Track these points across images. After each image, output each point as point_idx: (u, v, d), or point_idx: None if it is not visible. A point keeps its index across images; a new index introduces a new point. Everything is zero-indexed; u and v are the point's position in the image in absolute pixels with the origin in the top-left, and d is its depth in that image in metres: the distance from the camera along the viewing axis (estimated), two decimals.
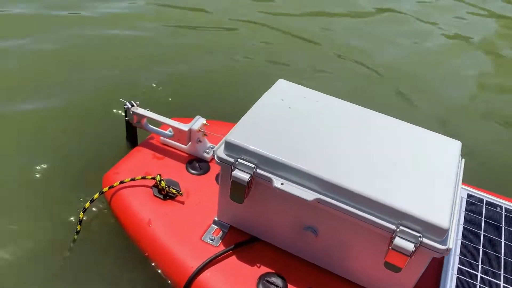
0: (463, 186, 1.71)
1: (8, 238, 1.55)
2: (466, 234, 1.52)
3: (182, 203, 1.55)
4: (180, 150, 1.76)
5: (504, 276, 1.40)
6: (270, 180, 1.25)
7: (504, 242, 1.51)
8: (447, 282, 1.35)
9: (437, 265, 1.44)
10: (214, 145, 1.78)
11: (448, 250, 1.13)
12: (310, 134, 1.33)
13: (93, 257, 1.53)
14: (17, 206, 1.67)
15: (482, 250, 1.48)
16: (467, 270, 1.40)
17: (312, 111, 1.42)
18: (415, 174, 1.24)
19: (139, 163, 1.69)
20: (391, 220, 1.16)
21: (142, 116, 1.71)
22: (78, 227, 1.55)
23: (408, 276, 1.24)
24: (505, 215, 1.62)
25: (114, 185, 1.56)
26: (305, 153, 1.26)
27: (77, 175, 1.81)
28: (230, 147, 1.28)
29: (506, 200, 1.67)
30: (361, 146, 1.31)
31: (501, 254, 1.47)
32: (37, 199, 1.70)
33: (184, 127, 1.66)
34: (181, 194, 1.55)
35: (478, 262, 1.43)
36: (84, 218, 1.58)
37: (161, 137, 1.77)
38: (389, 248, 1.17)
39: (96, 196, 1.56)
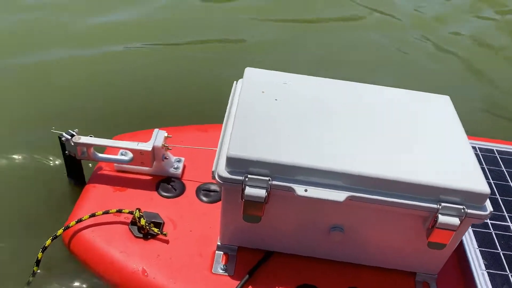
0: None
1: None
2: None
3: (171, 237, 1.30)
4: (143, 173, 1.48)
5: (508, 216, 1.44)
6: (291, 189, 1.07)
7: (494, 182, 1.55)
8: (468, 238, 1.34)
9: None
10: (179, 157, 1.53)
11: (490, 214, 1.09)
12: (312, 125, 1.17)
13: None
14: None
15: None
16: None
17: (300, 98, 1.26)
18: (431, 143, 1.17)
19: (100, 201, 1.38)
20: (431, 199, 1.08)
21: (88, 145, 1.38)
22: (35, 268, 1.26)
23: (449, 247, 1.19)
24: (482, 155, 1.66)
25: (83, 218, 1.28)
26: (320, 149, 1.10)
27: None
28: (235, 163, 1.07)
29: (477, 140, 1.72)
30: (368, 127, 1.19)
31: (496, 195, 1.50)
32: None
33: (146, 146, 1.39)
34: (165, 234, 1.30)
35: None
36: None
37: (115, 164, 1.47)
38: (432, 228, 1.10)
39: (59, 232, 1.27)
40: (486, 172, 1.59)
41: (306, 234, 1.21)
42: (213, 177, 1.11)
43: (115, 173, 1.48)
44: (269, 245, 1.27)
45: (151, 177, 1.48)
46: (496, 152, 1.68)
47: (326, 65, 2.50)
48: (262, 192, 1.07)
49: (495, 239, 1.36)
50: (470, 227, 1.38)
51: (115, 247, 1.26)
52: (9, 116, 1.86)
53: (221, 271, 1.23)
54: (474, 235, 1.36)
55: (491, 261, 1.29)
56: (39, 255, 1.25)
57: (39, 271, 1.26)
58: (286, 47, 2.64)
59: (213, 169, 1.11)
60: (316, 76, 1.39)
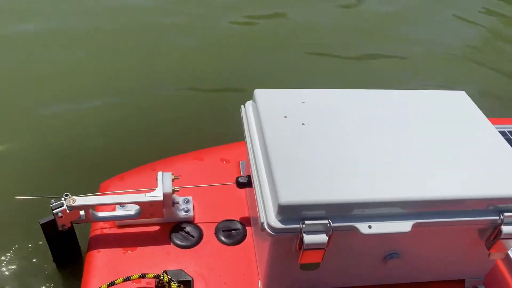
0: None
1: None
2: None
3: None
4: (149, 224, 1.28)
5: None
6: (354, 228, 0.96)
7: None
8: None
9: None
10: (187, 197, 1.35)
11: None
12: (355, 150, 1.07)
13: None
14: None
15: None
16: None
17: (327, 119, 1.15)
18: (474, 152, 1.11)
19: (112, 268, 1.17)
20: (492, 211, 1.03)
21: (87, 207, 1.16)
22: None
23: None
24: None
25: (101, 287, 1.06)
26: (375, 179, 1.00)
27: None
28: (288, 210, 0.93)
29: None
30: (408, 144, 1.11)
31: None
32: None
33: (157, 196, 1.19)
34: None
35: None
36: None
37: (116, 222, 1.26)
38: (494, 239, 1.05)
39: None
40: None
41: (362, 266, 1.11)
42: (262, 229, 0.96)
43: (117, 230, 1.27)
44: (321, 284, 1.15)
45: (160, 227, 1.29)
46: None
47: None
48: (323, 238, 0.95)
49: None
50: None
51: None
52: None
53: None
54: None
55: None
56: None
57: None
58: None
59: (261, 220, 0.96)
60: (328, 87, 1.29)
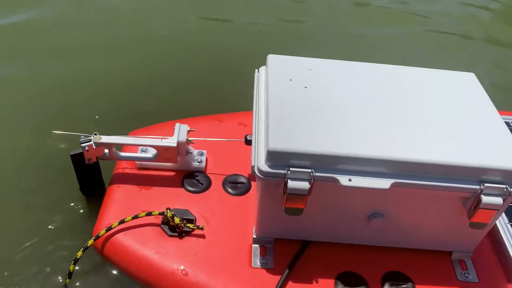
0: None
1: None
2: None
3: (205, 233, 1.28)
4: (166, 169, 1.44)
5: None
6: (335, 180, 1.06)
7: None
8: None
9: None
10: (201, 150, 1.49)
11: None
12: (349, 113, 1.15)
13: None
14: None
15: None
16: None
17: (329, 84, 1.23)
18: (467, 123, 1.16)
19: (127, 202, 1.34)
20: (473, 180, 1.08)
21: (110, 145, 1.33)
22: (67, 281, 1.20)
23: (486, 227, 1.19)
24: None
25: (112, 226, 1.23)
26: (361, 137, 1.08)
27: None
28: (276, 156, 1.04)
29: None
30: (402, 110, 1.18)
31: None
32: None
33: (171, 142, 1.34)
34: (202, 228, 1.27)
35: None
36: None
37: (137, 162, 1.42)
38: (475, 208, 1.10)
39: (90, 242, 1.21)
40: None
41: (346, 222, 1.20)
42: (253, 172, 1.08)
43: (137, 171, 1.43)
44: (307, 235, 1.26)
45: (175, 173, 1.44)
46: None
47: None
48: (305, 185, 1.05)
49: None
50: None
51: (151, 248, 1.23)
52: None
53: (261, 264, 1.21)
54: (505, 211, 1.37)
55: None
56: (71, 267, 1.20)
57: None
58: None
59: (252, 164, 1.08)
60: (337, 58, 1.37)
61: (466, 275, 1.25)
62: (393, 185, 1.06)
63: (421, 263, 1.27)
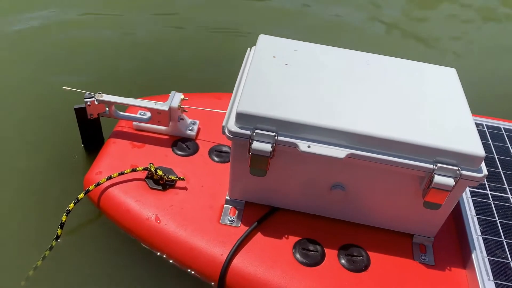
0: None
1: None
2: None
3: (184, 189, 1.40)
4: (160, 133, 1.57)
5: (509, 188, 1.48)
6: (295, 145, 1.15)
7: (498, 157, 1.59)
8: (466, 208, 1.39)
9: None
10: (194, 120, 1.62)
11: (485, 177, 1.14)
12: (319, 88, 1.24)
13: (88, 265, 1.32)
14: None
15: None
16: (478, 191, 1.46)
17: (309, 64, 1.32)
18: (432, 108, 1.22)
19: (119, 156, 1.48)
20: (427, 160, 1.14)
21: (110, 103, 1.48)
22: (59, 231, 1.32)
23: (442, 210, 1.24)
24: (488, 132, 1.70)
25: (101, 182, 1.36)
26: (324, 109, 1.17)
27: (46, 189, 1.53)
28: (244, 118, 1.15)
29: (485, 118, 1.75)
30: (371, 91, 1.25)
31: (499, 169, 1.54)
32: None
33: (164, 106, 1.47)
34: (183, 179, 1.40)
35: (484, 182, 1.50)
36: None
37: (134, 123, 1.56)
38: (428, 188, 1.16)
39: (81, 196, 1.34)
40: (491, 148, 1.63)
41: (309, 191, 1.28)
42: (223, 132, 1.19)
43: (134, 131, 1.58)
44: (274, 201, 1.35)
45: (168, 137, 1.57)
46: (503, 130, 1.71)
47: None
48: (267, 147, 1.15)
49: (493, 209, 1.41)
50: (470, 197, 1.43)
51: (131, 197, 1.36)
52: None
53: (229, 222, 1.32)
54: (474, 205, 1.41)
55: (487, 228, 1.34)
56: (63, 218, 1.32)
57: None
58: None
59: (223, 124, 1.18)
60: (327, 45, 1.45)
61: (423, 257, 1.30)
62: (348, 155, 1.14)
63: (380, 241, 1.33)
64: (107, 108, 1.50)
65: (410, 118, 1.18)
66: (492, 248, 1.29)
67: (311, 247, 1.27)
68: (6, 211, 1.43)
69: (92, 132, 1.57)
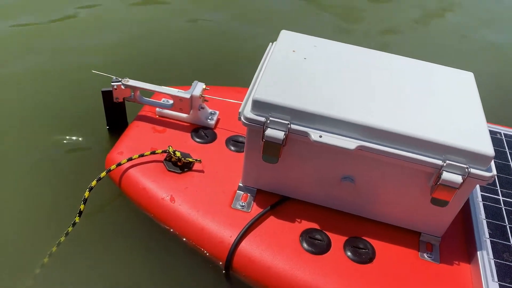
0: None
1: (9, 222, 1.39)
2: None
3: (199, 174, 1.46)
4: (181, 120, 1.64)
5: None
6: (307, 134, 1.19)
7: None
8: (476, 212, 1.40)
9: None
10: (215, 111, 1.68)
11: (494, 177, 1.15)
12: (335, 81, 1.27)
13: (107, 240, 1.39)
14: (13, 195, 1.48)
15: (497, 175, 1.54)
16: (490, 196, 1.46)
17: (328, 59, 1.36)
18: (445, 107, 1.24)
19: (140, 139, 1.55)
20: (436, 156, 1.16)
21: (136, 88, 1.56)
22: (82, 207, 1.38)
23: (450, 209, 1.26)
24: (506, 140, 1.69)
25: (122, 162, 1.43)
26: (338, 101, 1.21)
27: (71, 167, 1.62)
28: (259, 105, 1.20)
29: (503, 127, 1.75)
30: (385, 87, 1.28)
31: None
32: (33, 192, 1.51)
33: (186, 94, 1.54)
34: (200, 161, 1.46)
35: (497, 187, 1.50)
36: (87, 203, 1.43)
37: (157, 109, 1.64)
38: (436, 184, 1.18)
39: (103, 174, 1.41)
40: (508, 156, 1.62)
41: (320, 182, 1.32)
42: (239, 118, 1.24)
43: (156, 117, 1.65)
44: (285, 190, 1.39)
45: (188, 125, 1.63)
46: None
47: None
48: (280, 134, 1.19)
49: (504, 214, 1.41)
50: (481, 201, 1.43)
51: (149, 177, 1.43)
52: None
53: (240, 207, 1.36)
54: (484, 208, 1.41)
55: (496, 231, 1.35)
56: (86, 194, 1.38)
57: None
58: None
59: (240, 110, 1.24)
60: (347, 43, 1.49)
61: (428, 255, 1.31)
62: (359, 147, 1.17)
63: (387, 237, 1.35)
64: (133, 93, 1.58)
65: (422, 115, 1.20)
66: (499, 251, 1.29)
67: (317, 236, 1.31)
68: (30, 185, 1.52)
69: (116, 115, 1.65)
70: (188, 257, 1.33)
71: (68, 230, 1.35)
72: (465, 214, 1.43)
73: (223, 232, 1.30)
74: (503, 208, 1.42)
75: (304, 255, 1.26)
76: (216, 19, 2.62)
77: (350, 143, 1.17)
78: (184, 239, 1.34)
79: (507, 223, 1.38)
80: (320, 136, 1.18)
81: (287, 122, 1.19)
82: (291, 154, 1.27)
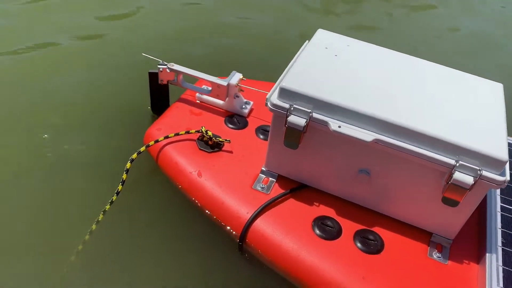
0: None
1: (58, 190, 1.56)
2: None
3: (227, 155, 1.57)
4: (217, 107, 1.76)
5: None
6: (327, 124, 1.27)
7: None
8: (492, 220, 1.41)
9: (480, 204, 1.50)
10: (249, 101, 1.79)
11: (506, 182, 1.17)
12: (361, 78, 1.34)
13: (142, 207, 1.53)
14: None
15: None
16: (509, 208, 1.46)
17: (358, 58, 1.44)
18: (468, 112, 1.28)
19: (178, 119, 1.69)
20: (450, 156, 1.20)
21: (179, 72, 1.70)
22: (124, 176, 1.52)
23: (462, 211, 1.28)
24: None
25: (159, 139, 1.57)
26: (360, 95, 1.28)
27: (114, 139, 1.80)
28: (285, 93, 1.29)
29: None
30: (413, 88, 1.33)
31: None
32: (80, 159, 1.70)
33: (223, 82, 1.66)
34: (229, 141, 1.57)
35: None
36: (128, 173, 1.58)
37: (197, 94, 1.77)
38: (447, 183, 1.21)
39: (142, 148, 1.55)
40: None
41: (337, 173, 1.39)
42: (266, 104, 1.34)
43: (196, 102, 1.78)
44: (304, 178, 1.47)
45: (223, 111, 1.76)
46: None
47: None
48: (302, 121, 1.28)
49: None
50: (499, 211, 1.44)
51: (181, 153, 1.56)
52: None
53: (260, 188, 1.46)
54: (501, 218, 1.42)
55: (510, 241, 1.35)
56: (128, 165, 1.53)
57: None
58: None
59: (267, 96, 1.34)
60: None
61: (437, 255, 1.34)
62: (375, 140, 1.23)
63: (399, 233, 1.39)
64: (176, 77, 1.72)
65: (442, 116, 1.25)
66: (510, 260, 1.30)
67: (329, 223, 1.37)
68: (82, 154, 1.70)
69: (160, 96, 1.80)
70: (208, 228, 1.44)
71: (112, 199, 1.50)
72: (481, 221, 1.44)
73: (241, 208, 1.40)
74: None
75: (314, 239, 1.34)
76: (267, 21, 2.76)
77: (367, 136, 1.24)
78: (206, 211, 1.45)
79: None
80: (339, 127, 1.25)
81: (309, 110, 1.28)
82: (311, 143, 1.35)
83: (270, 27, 2.72)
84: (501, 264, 1.28)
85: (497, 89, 1.40)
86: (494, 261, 1.28)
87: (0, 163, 1.63)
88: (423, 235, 1.39)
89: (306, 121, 1.28)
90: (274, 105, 1.31)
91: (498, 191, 1.52)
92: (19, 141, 1.72)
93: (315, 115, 1.28)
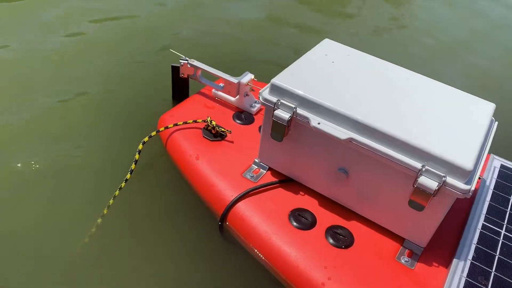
0: (497, 157, 1.75)
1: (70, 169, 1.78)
2: (495, 197, 1.58)
3: (228, 145, 1.71)
4: (229, 103, 1.92)
5: None
6: (308, 120, 1.37)
7: None
8: (470, 234, 1.42)
9: (462, 220, 1.51)
10: (258, 100, 1.93)
11: (471, 191, 1.20)
12: (348, 84, 1.44)
13: (146, 185, 1.72)
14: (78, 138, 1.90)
15: (510, 213, 1.53)
16: (491, 227, 1.46)
17: (353, 66, 1.53)
18: (447, 123, 1.32)
19: (191, 110, 1.86)
20: (418, 160, 1.25)
21: (198, 68, 1.88)
22: (137, 156, 1.70)
23: (431, 218, 1.32)
24: None
25: (168, 126, 1.74)
26: (341, 98, 1.37)
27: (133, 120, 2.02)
28: (275, 89, 1.42)
29: None
30: (398, 97, 1.40)
31: None
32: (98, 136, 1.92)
33: (234, 79, 1.82)
34: (230, 131, 1.71)
35: (504, 222, 1.49)
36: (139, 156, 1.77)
37: (213, 90, 1.94)
38: (413, 187, 1.26)
39: (153, 133, 1.74)
40: (491, 182, 1.61)
41: (318, 170, 1.48)
42: (259, 97, 1.47)
43: (211, 96, 1.95)
44: (291, 173, 1.57)
45: (234, 107, 1.90)
46: None
47: None
48: (286, 116, 1.39)
49: (499, 246, 1.40)
50: (479, 228, 1.45)
51: (185, 139, 1.72)
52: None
53: (249, 177, 1.58)
54: (479, 236, 1.43)
55: (481, 257, 1.36)
56: (140, 146, 1.71)
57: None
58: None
59: (260, 91, 1.47)
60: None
61: (405, 259, 1.38)
62: (349, 139, 1.32)
63: (372, 234, 1.44)
64: (195, 72, 1.90)
65: (417, 124, 1.30)
66: (476, 273, 1.31)
67: (305, 215, 1.46)
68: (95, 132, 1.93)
69: (180, 88, 1.98)
70: (196, 207, 1.59)
71: (127, 177, 1.67)
72: (459, 236, 1.45)
73: (227, 191, 1.53)
74: (500, 241, 1.42)
75: (287, 227, 1.43)
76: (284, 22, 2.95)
77: (343, 134, 1.32)
78: (198, 192, 1.60)
79: (497, 254, 1.38)
80: (319, 123, 1.35)
81: (293, 106, 1.39)
82: (296, 138, 1.45)
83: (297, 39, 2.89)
84: (465, 276, 1.30)
85: (487, 108, 1.43)
86: (458, 273, 1.30)
87: (33, 136, 1.89)
88: (397, 239, 1.44)
89: (290, 116, 1.39)
90: (264, 99, 1.44)
91: (485, 210, 1.52)
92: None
93: (299, 111, 1.39)
